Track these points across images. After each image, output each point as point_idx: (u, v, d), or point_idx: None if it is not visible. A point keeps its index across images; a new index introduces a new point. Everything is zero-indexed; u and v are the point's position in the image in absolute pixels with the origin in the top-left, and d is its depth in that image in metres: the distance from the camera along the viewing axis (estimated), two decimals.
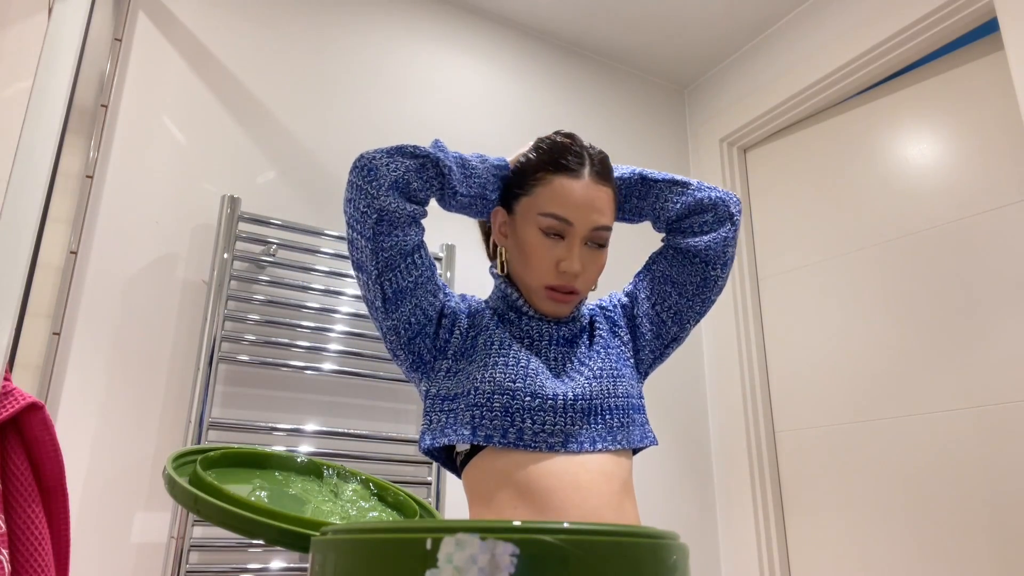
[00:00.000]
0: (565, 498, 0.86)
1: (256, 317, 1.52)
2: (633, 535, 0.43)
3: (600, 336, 1.02)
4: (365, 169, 0.89)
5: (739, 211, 1.05)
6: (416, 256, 0.93)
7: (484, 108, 2.07)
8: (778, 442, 2.02)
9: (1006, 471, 1.54)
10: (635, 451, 1.01)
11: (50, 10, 1.20)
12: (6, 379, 0.98)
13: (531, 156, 0.98)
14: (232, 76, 1.73)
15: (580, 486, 0.88)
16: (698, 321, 1.06)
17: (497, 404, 0.89)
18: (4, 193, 1.06)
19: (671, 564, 0.45)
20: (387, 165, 0.89)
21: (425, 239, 0.98)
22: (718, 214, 1.03)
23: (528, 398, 0.89)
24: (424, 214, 0.95)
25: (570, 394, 0.92)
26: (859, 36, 1.90)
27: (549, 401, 0.90)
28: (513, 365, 0.91)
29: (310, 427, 1.51)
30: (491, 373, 0.91)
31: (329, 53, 1.87)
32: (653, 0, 2.10)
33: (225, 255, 1.50)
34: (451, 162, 0.94)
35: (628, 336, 1.06)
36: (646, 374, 1.07)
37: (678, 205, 1.03)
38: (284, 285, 1.57)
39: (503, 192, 1.01)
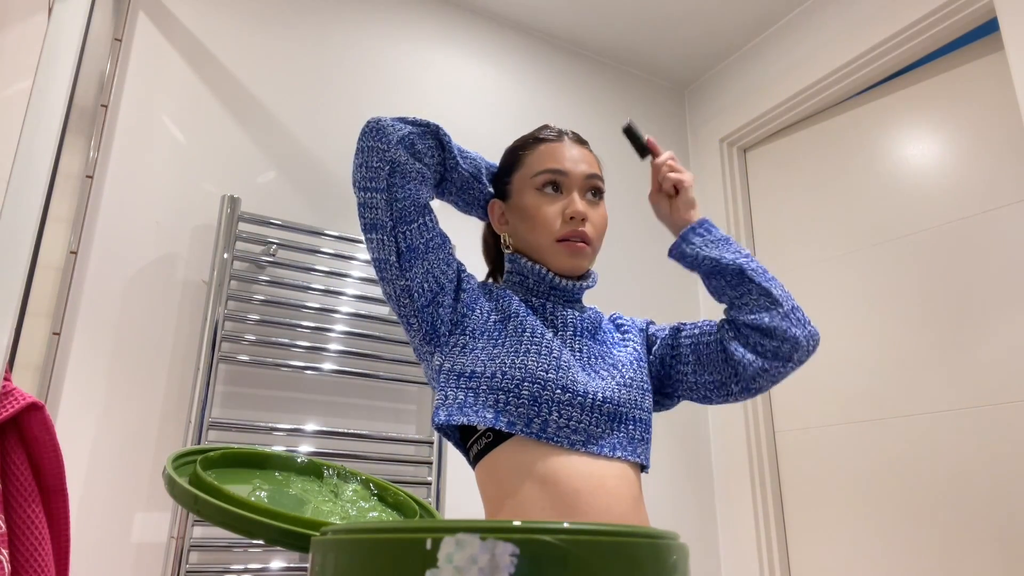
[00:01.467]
0: (593, 501, 0.86)
1: (256, 317, 1.52)
2: (633, 535, 0.43)
3: (634, 348, 1.03)
4: (374, 130, 0.95)
5: (805, 357, 0.98)
6: (428, 218, 0.96)
7: (484, 108, 2.07)
8: (778, 442, 2.02)
9: (1006, 471, 1.54)
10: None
11: (50, 10, 1.20)
12: (6, 379, 0.98)
13: (514, 145, 1.06)
14: (232, 76, 1.73)
15: (607, 489, 0.88)
16: (687, 400, 1.05)
17: (526, 392, 0.88)
18: (4, 193, 1.06)
19: (671, 564, 0.45)
20: (393, 125, 0.95)
21: None
22: (782, 351, 0.97)
23: (559, 391, 0.89)
24: (430, 179, 0.98)
25: (600, 395, 0.92)
26: (859, 36, 1.90)
27: (579, 397, 0.90)
28: (546, 355, 0.91)
29: (310, 427, 1.51)
30: (523, 360, 0.90)
31: (329, 53, 1.87)
32: (653, 0, 2.10)
33: (225, 255, 1.50)
34: (449, 136, 1.00)
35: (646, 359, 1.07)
36: None
37: (752, 317, 0.99)
38: (284, 285, 1.57)
39: (495, 188, 1.07)
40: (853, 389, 1.86)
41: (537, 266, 1.00)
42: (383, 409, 1.66)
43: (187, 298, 1.53)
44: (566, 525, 0.42)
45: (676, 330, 1.07)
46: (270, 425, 1.47)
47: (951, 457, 1.64)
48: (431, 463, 1.60)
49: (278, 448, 1.39)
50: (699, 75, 2.43)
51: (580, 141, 1.05)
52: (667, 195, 1.07)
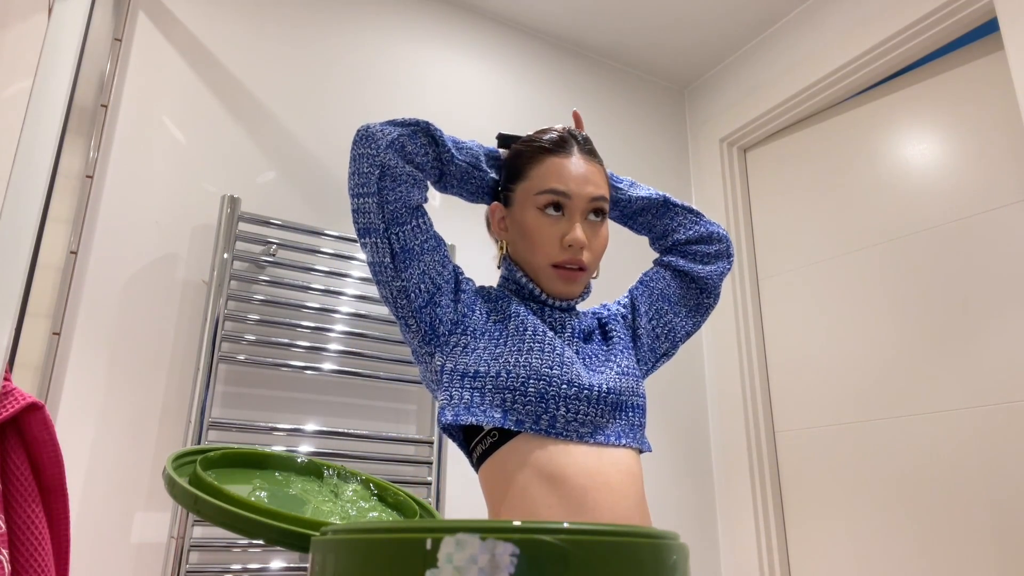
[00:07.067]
0: (599, 499, 0.88)
1: (256, 317, 1.52)
2: (633, 535, 0.43)
3: (619, 338, 1.05)
4: (364, 137, 0.96)
5: (732, 248, 1.16)
6: (421, 219, 0.96)
7: (484, 108, 2.07)
8: (778, 442, 2.02)
9: (1006, 471, 1.54)
10: None
11: (50, 10, 1.20)
12: (6, 379, 0.98)
13: (522, 149, 1.04)
14: (232, 76, 1.73)
15: (612, 487, 0.89)
16: (685, 341, 1.13)
17: (532, 390, 0.89)
18: (4, 193, 1.06)
19: (671, 564, 0.45)
20: (382, 130, 0.96)
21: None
22: (721, 249, 1.13)
23: (564, 386, 0.91)
24: (423, 181, 0.98)
25: (604, 386, 0.94)
26: (859, 36, 1.90)
27: (585, 391, 0.92)
28: (549, 352, 0.93)
29: (310, 427, 1.51)
30: (527, 358, 0.91)
31: (329, 53, 1.87)
32: (653, 0, 2.10)
33: (225, 255, 1.50)
34: (441, 131, 1.00)
35: (632, 344, 1.09)
36: None
37: (690, 231, 1.13)
38: (284, 285, 1.57)
39: (498, 189, 1.06)
40: (853, 389, 1.86)
41: (531, 284, 1.01)
42: (383, 409, 1.66)
43: (187, 298, 1.53)
44: (566, 525, 0.42)
45: (640, 296, 1.12)
46: (270, 425, 1.47)
47: (951, 457, 1.64)
48: (431, 463, 1.60)
49: (278, 448, 1.39)
50: (699, 75, 2.43)
51: (590, 153, 1.03)
52: None
